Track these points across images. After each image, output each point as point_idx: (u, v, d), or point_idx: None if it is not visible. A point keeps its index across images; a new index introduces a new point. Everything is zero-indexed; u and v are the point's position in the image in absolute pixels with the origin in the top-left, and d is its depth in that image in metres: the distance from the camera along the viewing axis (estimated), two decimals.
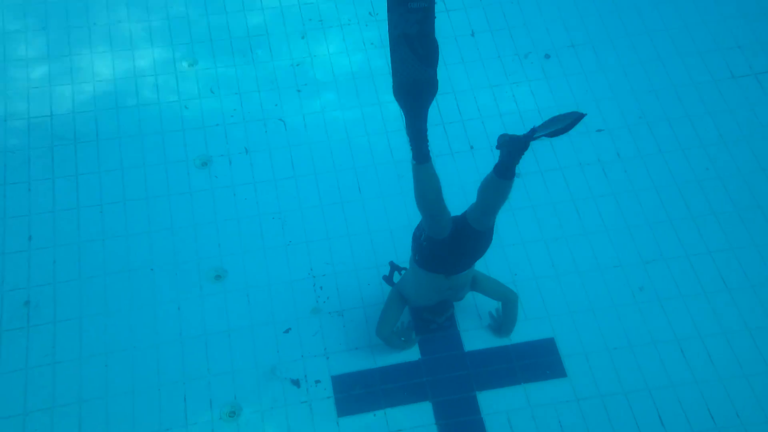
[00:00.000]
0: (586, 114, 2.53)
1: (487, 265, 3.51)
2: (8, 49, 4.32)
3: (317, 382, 3.39)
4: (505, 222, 3.76)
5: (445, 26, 4.55)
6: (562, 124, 2.53)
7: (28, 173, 3.91)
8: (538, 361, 3.45)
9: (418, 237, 2.97)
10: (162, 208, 3.85)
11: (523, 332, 3.51)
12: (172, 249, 3.74)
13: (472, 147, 4.12)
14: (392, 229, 3.82)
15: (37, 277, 3.61)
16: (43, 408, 3.28)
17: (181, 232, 3.79)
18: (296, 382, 3.39)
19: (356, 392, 3.37)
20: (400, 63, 2.49)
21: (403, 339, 3.46)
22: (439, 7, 4.61)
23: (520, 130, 2.62)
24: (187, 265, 3.69)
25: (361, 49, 4.48)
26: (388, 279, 3.41)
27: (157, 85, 4.26)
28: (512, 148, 2.60)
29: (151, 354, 3.44)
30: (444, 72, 4.27)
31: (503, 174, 2.68)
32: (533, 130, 2.58)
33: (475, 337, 3.52)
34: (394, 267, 3.42)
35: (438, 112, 4.13)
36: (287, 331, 3.54)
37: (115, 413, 3.28)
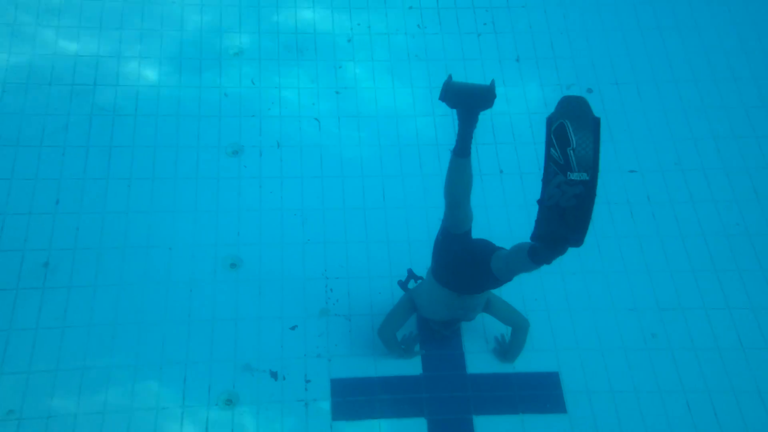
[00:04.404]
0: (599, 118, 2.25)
1: (501, 289, 3.48)
2: (62, 18, 4.41)
3: (315, 382, 3.39)
4: None
5: (491, 48, 4.56)
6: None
7: (64, 138, 3.99)
8: (540, 394, 3.40)
9: (437, 238, 2.97)
10: (188, 191, 3.90)
11: (529, 362, 3.47)
12: (192, 232, 3.77)
13: (501, 171, 4.10)
14: (411, 241, 3.81)
15: (59, 241, 3.67)
16: (47, 370, 3.32)
17: (204, 217, 3.83)
18: (295, 380, 3.39)
19: (353, 398, 3.36)
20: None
21: (403, 347, 3.44)
22: (487, 29, 4.65)
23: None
24: (204, 250, 3.73)
25: (405, 60, 4.50)
26: (402, 284, 3.38)
27: (200, 69, 4.33)
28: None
29: (157, 332, 3.47)
30: None
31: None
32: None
33: (479, 360, 3.49)
34: (411, 275, 3.39)
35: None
36: (293, 328, 3.55)
37: (116, 384, 3.31)
